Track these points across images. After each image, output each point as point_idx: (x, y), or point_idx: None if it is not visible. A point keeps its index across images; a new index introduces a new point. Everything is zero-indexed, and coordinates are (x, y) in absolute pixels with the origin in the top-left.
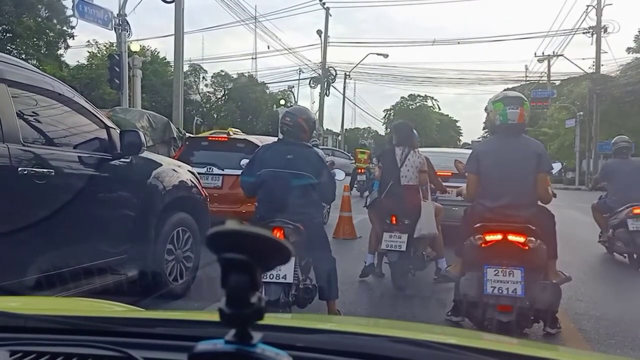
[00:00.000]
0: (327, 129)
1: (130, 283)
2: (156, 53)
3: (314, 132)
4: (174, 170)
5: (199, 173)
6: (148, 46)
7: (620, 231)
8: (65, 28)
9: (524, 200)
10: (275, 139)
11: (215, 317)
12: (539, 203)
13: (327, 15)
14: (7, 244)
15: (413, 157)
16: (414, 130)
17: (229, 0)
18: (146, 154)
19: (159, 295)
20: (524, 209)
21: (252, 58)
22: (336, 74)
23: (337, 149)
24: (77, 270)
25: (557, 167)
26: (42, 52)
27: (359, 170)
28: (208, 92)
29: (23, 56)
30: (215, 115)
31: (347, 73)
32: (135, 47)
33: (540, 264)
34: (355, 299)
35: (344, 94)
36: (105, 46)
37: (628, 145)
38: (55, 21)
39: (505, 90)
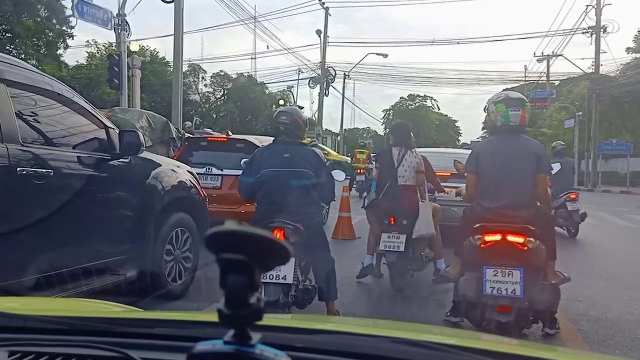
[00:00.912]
0: (326, 129)
1: (129, 284)
2: (156, 53)
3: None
4: (173, 170)
5: (198, 173)
6: (147, 46)
7: (562, 211)
8: (64, 28)
9: (524, 201)
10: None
11: (214, 317)
12: (539, 204)
13: (327, 15)
14: (7, 245)
15: (410, 157)
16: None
17: (229, 0)
18: (145, 155)
19: (158, 296)
20: (524, 210)
21: (252, 58)
22: (336, 74)
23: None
24: (76, 270)
25: (556, 167)
26: (42, 52)
27: (358, 171)
28: (207, 92)
29: (22, 56)
30: (215, 116)
31: (347, 73)
32: (134, 47)
33: (540, 264)
34: (354, 299)
35: (343, 94)
36: (104, 46)
37: (564, 148)
38: (54, 21)
39: (505, 90)
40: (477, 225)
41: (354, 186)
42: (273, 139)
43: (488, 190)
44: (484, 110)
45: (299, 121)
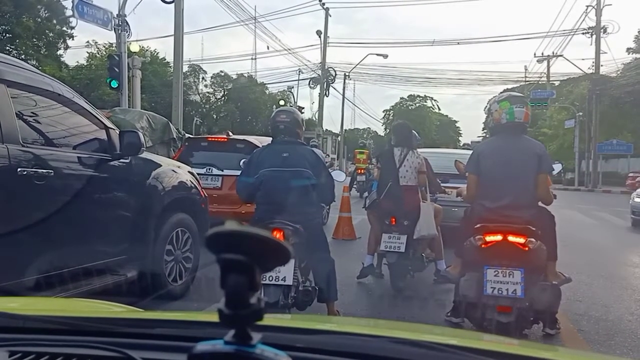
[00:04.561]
0: (326, 129)
1: (129, 284)
2: (156, 53)
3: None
4: (173, 170)
5: (198, 174)
6: (147, 47)
7: None
8: (64, 28)
9: (525, 201)
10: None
11: (214, 317)
12: (539, 204)
13: (327, 15)
14: (7, 245)
15: (412, 157)
16: (416, 133)
17: (229, 0)
18: (145, 155)
19: (158, 296)
20: (524, 210)
21: (252, 58)
22: (336, 75)
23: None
24: (76, 270)
25: (557, 167)
26: (42, 52)
27: (359, 171)
28: (207, 92)
29: (22, 56)
30: (215, 116)
31: (347, 73)
32: (134, 47)
33: (540, 264)
34: (354, 299)
35: (343, 95)
36: (104, 47)
37: None
38: (54, 22)
39: (504, 90)
40: (478, 226)
41: (354, 186)
42: (271, 139)
43: (489, 190)
44: (485, 111)
45: (298, 119)
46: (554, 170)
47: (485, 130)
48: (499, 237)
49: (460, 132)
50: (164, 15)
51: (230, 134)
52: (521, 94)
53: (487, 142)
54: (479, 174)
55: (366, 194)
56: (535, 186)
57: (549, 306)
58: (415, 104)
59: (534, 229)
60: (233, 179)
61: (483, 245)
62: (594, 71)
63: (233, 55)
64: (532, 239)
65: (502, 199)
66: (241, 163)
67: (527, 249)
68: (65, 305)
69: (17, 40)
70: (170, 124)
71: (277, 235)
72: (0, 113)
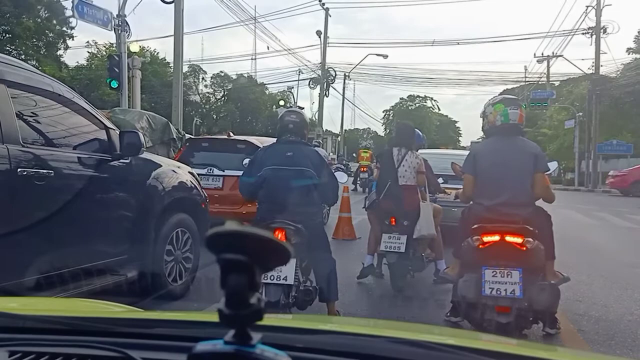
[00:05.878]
0: (326, 129)
1: (129, 284)
2: (155, 54)
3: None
4: (173, 171)
5: (199, 174)
6: (147, 47)
7: None
8: (64, 29)
9: (521, 199)
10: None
11: (214, 317)
12: (537, 203)
13: (327, 15)
14: (7, 245)
15: (410, 157)
16: (419, 131)
17: (229, 0)
18: (145, 155)
19: (158, 296)
20: (521, 208)
21: (252, 59)
22: (336, 75)
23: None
24: (76, 270)
25: (553, 166)
26: (42, 52)
27: (362, 169)
28: (207, 92)
29: (22, 57)
30: (215, 116)
31: (347, 74)
32: (134, 47)
33: (539, 264)
34: (354, 299)
35: (343, 95)
36: (104, 47)
37: None
38: (54, 22)
39: (504, 91)
40: (475, 226)
41: (358, 182)
42: (275, 139)
43: (486, 188)
44: (481, 115)
45: (306, 120)
46: (550, 169)
47: None
48: (496, 238)
49: (460, 132)
50: (164, 15)
51: (231, 134)
52: (515, 97)
53: (484, 144)
54: (476, 174)
55: (367, 191)
56: (532, 185)
57: (548, 306)
58: (415, 104)
59: (531, 228)
60: (234, 180)
61: (480, 246)
62: (593, 71)
63: (233, 55)
64: (530, 239)
65: (499, 196)
66: (244, 163)
67: (524, 248)
68: (65, 305)
69: (17, 41)
70: (170, 124)
71: (279, 235)
72: (0, 113)
